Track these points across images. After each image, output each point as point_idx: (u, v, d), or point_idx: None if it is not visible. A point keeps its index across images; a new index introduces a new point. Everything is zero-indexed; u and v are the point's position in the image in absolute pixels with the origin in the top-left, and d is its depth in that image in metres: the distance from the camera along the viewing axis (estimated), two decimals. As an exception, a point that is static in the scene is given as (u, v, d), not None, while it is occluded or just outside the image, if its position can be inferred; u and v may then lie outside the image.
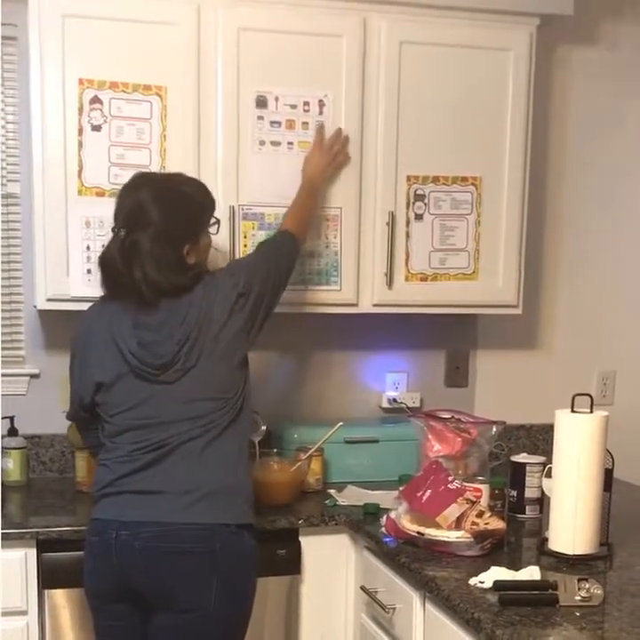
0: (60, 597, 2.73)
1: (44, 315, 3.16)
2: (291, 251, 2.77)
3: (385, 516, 2.69)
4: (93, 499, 2.51)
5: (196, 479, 2.41)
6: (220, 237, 2.97)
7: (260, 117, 3.02)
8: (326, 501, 3.06)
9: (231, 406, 2.48)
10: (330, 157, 3.02)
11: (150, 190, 2.51)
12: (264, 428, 3.14)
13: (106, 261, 2.51)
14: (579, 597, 2.13)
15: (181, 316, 2.44)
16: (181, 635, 2.40)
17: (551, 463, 2.54)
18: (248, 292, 2.53)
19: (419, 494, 2.60)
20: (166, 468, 2.41)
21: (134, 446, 2.44)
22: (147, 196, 2.49)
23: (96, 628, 2.55)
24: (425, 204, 3.19)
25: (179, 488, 2.39)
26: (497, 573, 2.29)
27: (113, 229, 2.52)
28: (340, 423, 3.10)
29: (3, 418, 3.11)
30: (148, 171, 2.83)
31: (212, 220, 2.65)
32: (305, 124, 3.06)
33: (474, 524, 2.52)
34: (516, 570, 2.32)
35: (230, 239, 3.00)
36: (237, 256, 3.02)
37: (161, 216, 2.47)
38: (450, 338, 3.66)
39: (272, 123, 3.03)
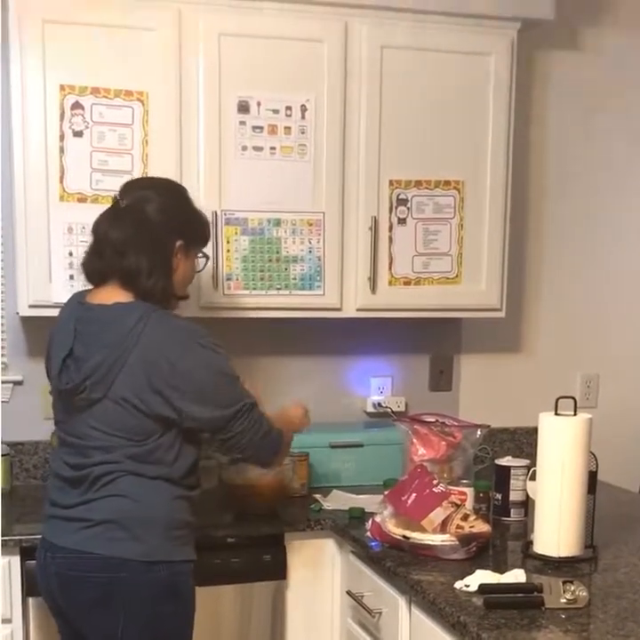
0: (45, 605, 2.71)
1: (27, 321, 3.15)
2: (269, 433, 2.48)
3: (370, 520, 2.69)
4: None
5: (105, 510, 2.35)
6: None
7: (242, 122, 3.02)
8: (311, 506, 3.06)
9: (148, 451, 2.35)
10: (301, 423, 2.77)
11: (159, 184, 2.55)
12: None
13: (100, 231, 2.44)
14: (564, 600, 2.14)
15: (107, 337, 2.34)
16: None
17: (535, 466, 2.54)
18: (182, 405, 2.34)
19: (403, 498, 2.60)
20: (84, 496, 2.37)
21: (67, 467, 2.42)
22: (155, 186, 2.51)
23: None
24: (408, 209, 3.20)
25: (91, 517, 2.35)
26: (482, 576, 2.29)
27: (115, 197, 2.48)
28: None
29: (-15, 425, 3.10)
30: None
31: (202, 253, 2.61)
32: (287, 128, 3.05)
33: (459, 527, 2.52)
34: (502, 573, 2.33)
35: (213, 244, 2.99)
36: (220, 261, 3.02)
37: (166, 199, 2.45)
38: (434, 342, 3.66)
39: (254, 128, 3.03)
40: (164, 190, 2.51)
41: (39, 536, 2.64)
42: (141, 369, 2.31)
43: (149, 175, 2.86)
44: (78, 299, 2.49)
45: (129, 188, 2.53)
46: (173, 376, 2.32)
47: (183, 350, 2.34)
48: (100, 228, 2.45)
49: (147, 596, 2.34)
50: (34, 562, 2.66)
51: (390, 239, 3.19)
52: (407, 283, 3.22)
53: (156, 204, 2.43)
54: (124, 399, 2.32)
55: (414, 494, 2.60)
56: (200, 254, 2.61)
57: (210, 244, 2.96)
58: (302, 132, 3.07)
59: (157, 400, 2.32)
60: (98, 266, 2.44)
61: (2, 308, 3.24)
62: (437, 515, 2.54)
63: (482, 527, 2.56)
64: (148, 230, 2.40)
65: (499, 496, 2.94)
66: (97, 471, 2.36)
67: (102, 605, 2.34)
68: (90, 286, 2.50)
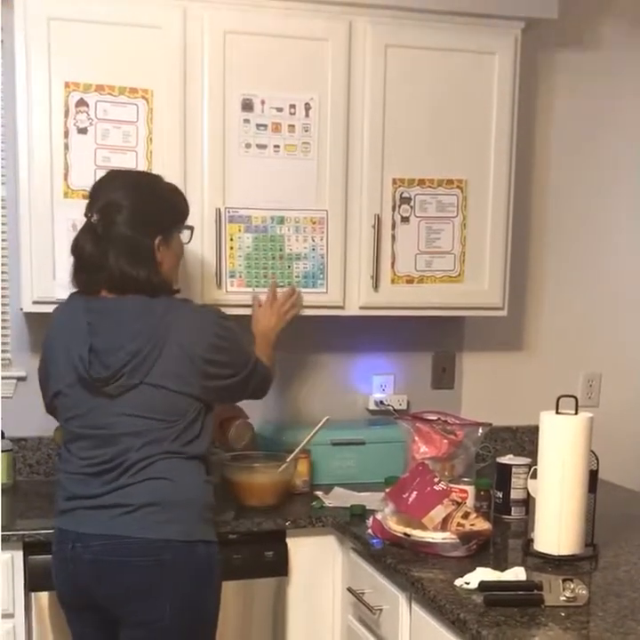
0: (47, 600, 2.72)
1: (31, 317, 3.15)
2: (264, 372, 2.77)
3: (371, 518, 2.70)
4: (54, 513, 2.55)
5: (145, 494, 2.39)
6: (206, 241, 2.98)
7: (247, 120, 3.03)
8: (313, 503, 3.06)
9: (180, 430, 2.44)
10: (278, 318, 3.01)
11: (125, 182, 2.55)
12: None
13: (78, 247, 2.50)
14: (564, 598, 2.14)
15: (136, 326, 2.41)
16: None
17: (537, 464, 2.55)
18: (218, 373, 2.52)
19: (405, 496, 2.61)
20: (116, 482, 2.40)
21: (85, 461, 2.45)
22: (122, 186, 2.51)
23: (72, 634, 2.58)
24: (411, 207, 3.20)
25: (128, 502, 2.38)
26: (482, 574, 2.29)
27: (86, 214, 2.51)
28: (327, 417, 3.07)
29: (-11, 421, 3.11)
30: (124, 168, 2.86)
31: (186, 225, 2.64)
32: (291, 126, 3.06)
33: (459, 525, 2.53)
34: (502, 570, 2.33)
35: (216, 242, 3.01)
36: (224, 258, 3.02)
37: (134, 202, 2.47)
38: (436, 340, 3.66)
39: (258, 126, 3.04)
40: (130, 190, 2.51)
41: (42, 531, 2.66)
42: (180, 351, 2.41)
43: (118, 168, 2.83)
44: (80, 297, 2.52)
45: (96, 195, 2.53)
46: (207, 351, 2.45)
47: (211, 329, 2.49)
48: (77, 246, 2.51)
49: (189, 575, 2.40)
50: (37, 557, 2.69)
51: (393, 237, 3.20)
52: (410, 281, 3.23)
53: (126, 211, 2.45)
54: (164, 380, 2.40)
55: (415, 492, 2.60)
56: (184, 228, 2.65)
57: (213, 242, 2.99)
58: (306, 131, 3.08)
59: (196, 378, 2.43)
60: (85, 279, 2.51)
61: (5, 305, 3.25)
62: (438, 512, 2.55)
63: (482, 525, 2.57)
64: (123, 241, 2.44)
65: (500, 494, 2.95)
66: (132, 457, 2.40)
67: (146, 589, 2.37)
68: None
